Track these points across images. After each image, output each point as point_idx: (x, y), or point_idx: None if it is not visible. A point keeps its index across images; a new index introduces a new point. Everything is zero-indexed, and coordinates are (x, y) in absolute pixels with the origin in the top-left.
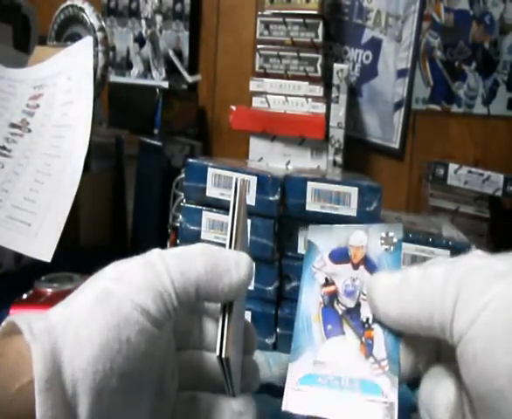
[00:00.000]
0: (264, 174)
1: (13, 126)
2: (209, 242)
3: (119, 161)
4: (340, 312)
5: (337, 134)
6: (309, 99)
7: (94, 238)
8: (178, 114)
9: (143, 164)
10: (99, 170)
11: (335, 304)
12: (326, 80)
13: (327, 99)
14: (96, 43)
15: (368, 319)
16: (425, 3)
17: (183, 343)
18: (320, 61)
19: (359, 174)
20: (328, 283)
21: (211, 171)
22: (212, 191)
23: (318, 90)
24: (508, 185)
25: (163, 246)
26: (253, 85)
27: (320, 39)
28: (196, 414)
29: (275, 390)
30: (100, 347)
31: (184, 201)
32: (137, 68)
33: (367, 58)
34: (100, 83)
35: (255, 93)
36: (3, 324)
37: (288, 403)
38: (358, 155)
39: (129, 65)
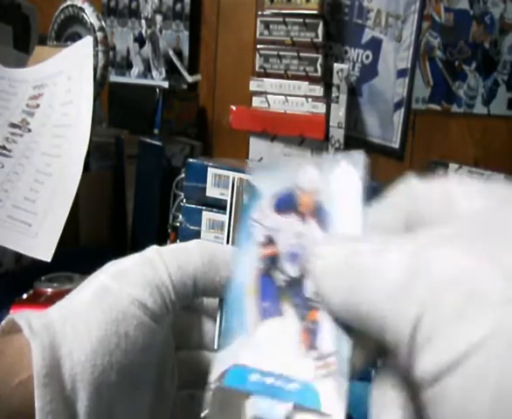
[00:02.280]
0: None
1: (13, 125)
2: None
3: (119, 160)
4: (280, 284)
5: (337, 134)
6: (309, 99)
7: (94, 238)
8: (178, 114)
9: (143, 164)
10: (99, 170)
11: (275, 272)
12: (326, 80)
13: (327, 99)
14: (96, 43)
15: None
16: (425, 2)
17: (183, 343)
18: (320, 61)
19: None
20: (267, 242)
21: (210, 171)
22: (212, 191)
23: (318, 90)
24: None
25: (163, 246)
26: (253, 85)
27: (320, 39)
28: (195, 412)
29: None
30: (99, 342)
31: (184, 201)
32: (137, 68)
33: (367, 57)
34: (100, 83)
35: (255, 93)
36: (3, 322)
37: (212, 408)
38: None
39: (129, 65)
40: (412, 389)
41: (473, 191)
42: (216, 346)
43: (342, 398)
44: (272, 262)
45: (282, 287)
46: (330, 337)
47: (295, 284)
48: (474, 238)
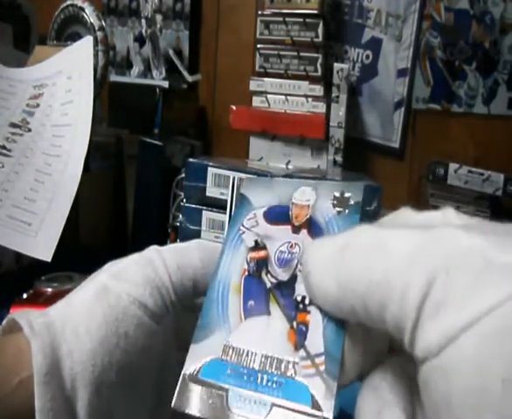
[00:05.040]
0: (264, 173)
1: (13, 125)
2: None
3: (119, 160)
4: (268, 285)
5: (337, 134)
6: (309, 99)
7: (94, 238)
8: (178, 114)
9: (143, 164)
10: (99, 170)
11: (264, 274)
12: (326, 80)
13: (327, 98)
14: (96, 42)
15: (304, 299)
16: (426, 2)
17: (184, 343)
18: (320, 61)
19: (359, 173)
20: (257, 246)
21: (210, 171)
22: (212, 191)
23: (318, 89)
24: (509, 185)
25: (163, 246)
26: (253, 84)
27: (320, 39)
28: None
29: None
30: (99, 341)
31: (184, 200)
32: (137, 67)
33: (367, 57)
34: (100, 82)
35: (255, 93)
36: (4, 322)
37: (181, 398)
38: (358, 155)
39: (129, 65)
40: (409, 386)
41: (472, 224)
42: (193, 339)
43: (330, 397)
44: (261, 265)
45: (270, 289)
46: (320, 338)
47: (284, 287)
48: (485, 231)
